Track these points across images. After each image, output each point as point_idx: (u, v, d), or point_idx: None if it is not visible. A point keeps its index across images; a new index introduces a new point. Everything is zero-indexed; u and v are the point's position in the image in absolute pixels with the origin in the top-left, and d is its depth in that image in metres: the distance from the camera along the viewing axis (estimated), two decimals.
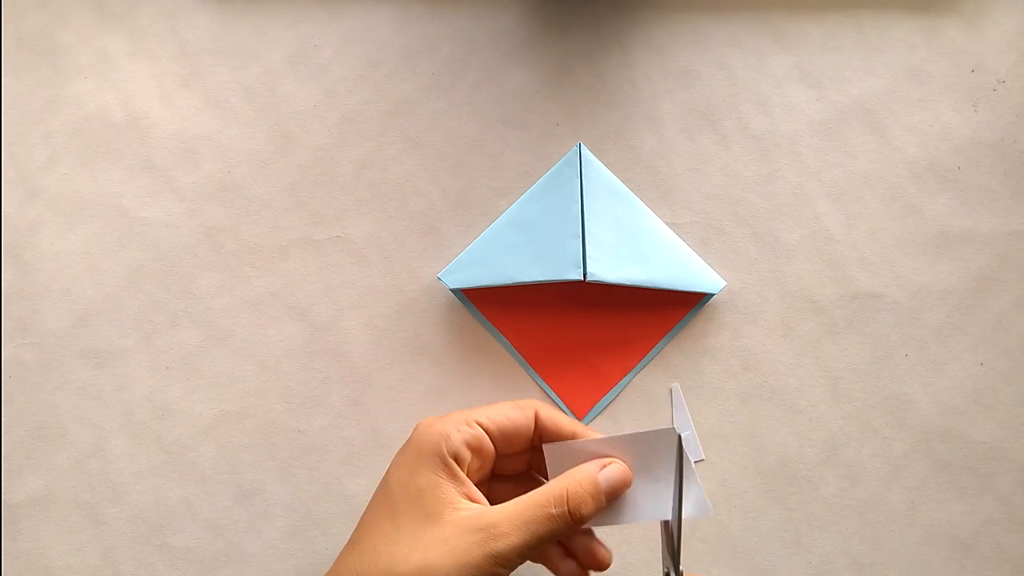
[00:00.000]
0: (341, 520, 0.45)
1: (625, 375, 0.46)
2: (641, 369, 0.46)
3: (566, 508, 0.33)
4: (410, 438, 0.36)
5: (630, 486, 0.35)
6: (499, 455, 0.37)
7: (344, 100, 0.49)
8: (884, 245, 0.47)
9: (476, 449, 0.35)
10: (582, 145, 0.48)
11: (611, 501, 0.35)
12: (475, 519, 0.32)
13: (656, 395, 0.46)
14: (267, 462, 0.46)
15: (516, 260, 0.46)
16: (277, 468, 0.46)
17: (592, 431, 0.37)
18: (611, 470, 0.35)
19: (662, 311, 0.47)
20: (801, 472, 0.45)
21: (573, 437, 0.36)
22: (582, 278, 0.44)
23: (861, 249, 0.47)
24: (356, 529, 0.35)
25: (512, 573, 0.33)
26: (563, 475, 0.34)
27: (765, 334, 0.47)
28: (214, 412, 0.47)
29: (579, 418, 0.46)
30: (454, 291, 0.47)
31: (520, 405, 0.37)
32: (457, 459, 0.34)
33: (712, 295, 0.46)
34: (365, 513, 0.36)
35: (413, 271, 0.48)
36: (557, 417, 0.37)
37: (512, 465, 0.38)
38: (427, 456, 0.34)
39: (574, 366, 0.46)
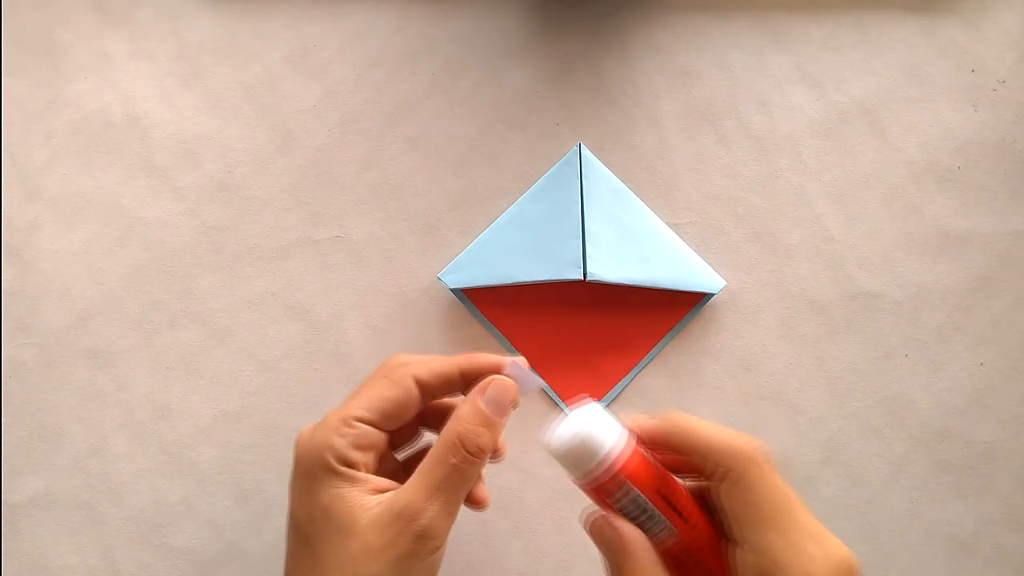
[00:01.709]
0: None
1: (625, 375, 0.46)
2: (641, 369, 0.46)
3: (464, 451, 0.32)
4: (295, 460, 0.33)
5: (517, 392, 0.34)
6: (392, 432, 0.35)
7: (344, 100, 0.49)
8: (884, 245, 0.47)
9: (365, 446, 0.33)
10: (582, 145, 0.48)
11: (504, 416, 0.33)
12: (389, 510, 0.31)
13: (656, 395, 0.46)
14: (267, 462, 0.46)
15: (516, 260, 0.46)
16: (277, 468, 0.46)
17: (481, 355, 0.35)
18: (490, 392, 0.33)
19: (662, 311, 0.47)
20: (801, 472, 0.45)
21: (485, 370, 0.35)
22: (582, 278, 0.44)
23: (861, 249, 0.47)
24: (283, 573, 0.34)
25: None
26: (451, 420, 0.33)
27: (765, 334, 0.47)
28: (214, 412, 0.47)
29: None
30: (454, 291, 0.47)
31: (394, 381, 0.34)
32: (349, 464, 0.32)
33: (712, 295, 0.46)
34: (286, 556, 0.33)
35: (413, 271, 0.48)
36: (439, 368, 0.34)
37: (410, 430, 0.37)
38: (318, 475, 0.32)
39: (574, 366, 0.46)
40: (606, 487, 0.31)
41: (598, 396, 0.46)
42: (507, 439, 0.45)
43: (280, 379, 0.47)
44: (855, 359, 0.46)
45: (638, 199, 0.47)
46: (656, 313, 0.47)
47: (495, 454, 0.35)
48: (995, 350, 0.46)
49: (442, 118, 0.49)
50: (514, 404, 0.34)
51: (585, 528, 0.32)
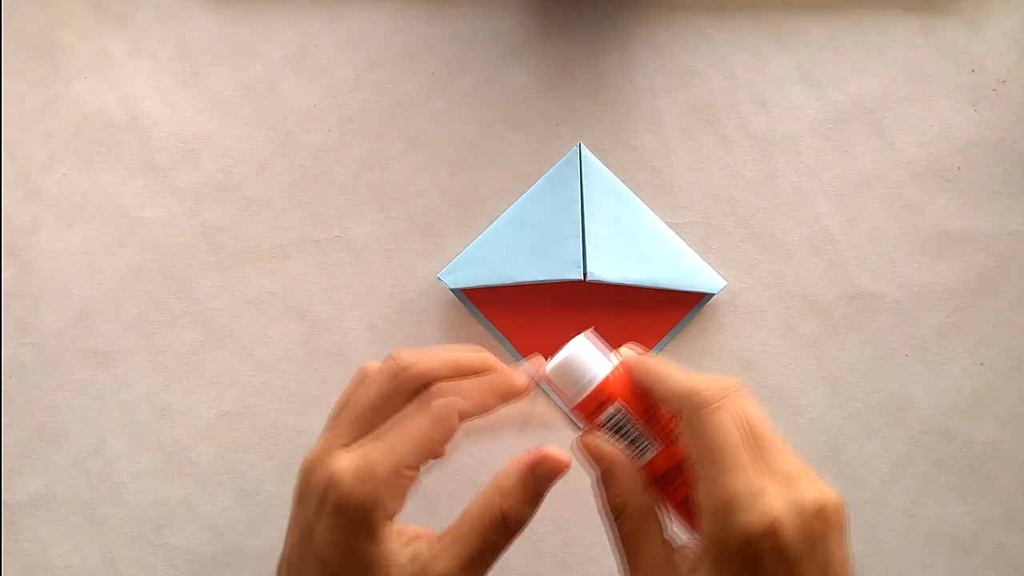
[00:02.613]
0: None
1: None
2: None
3: (506, 528, 0.32)
4: (338, 506, 0.30)
5: (566, 468, 0.33)
6: None
7: (344, 100, 0.49)
8: (884, 245, 0.47)
9: (409, 494, 0.32)
10: (582, 145, 0.48)
11: (547, 490, 0.33)
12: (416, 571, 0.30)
13: None
14: (267, 462, 0.46)
15: (516, 260, 0.46)
16: (277, 468, 0.46)
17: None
18: (543, 470, 0.32)
19: (662, 311, 0.47)
20: None
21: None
22: (582, 278, 0.44)
23: (861, 249, 0.47)
24: None
25: None
26: (493, 487, 0.32)
27: (765, 334, 0.47)
28: (214, 412, 0.47)
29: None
30: (454, 291, 0.47)
31: (440, 418, 0.31)
32: (393, 515, 0.31)
33: (712, 295, 0.46)
34: None
35: (413, 271, 0.48)
36: (480, 402, 0.33)
37: None
38: (364, 528, 0.30)
39: None
40: (591, 404, 0.33)
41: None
42: (506, 439, 0.45)
43: (280, 379, 0.47)
44: (855, 359, 0.46)
45: (638, 199, 0.47)
46: (656, 313, 0.47)
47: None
48: (995, 350, 0.46)
49: (442, 118, 0.49)
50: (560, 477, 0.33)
51: (574, 448, 0.33)
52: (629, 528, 0.31)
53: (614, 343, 0.47)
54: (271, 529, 0.45)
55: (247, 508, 0.46)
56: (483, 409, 0.33)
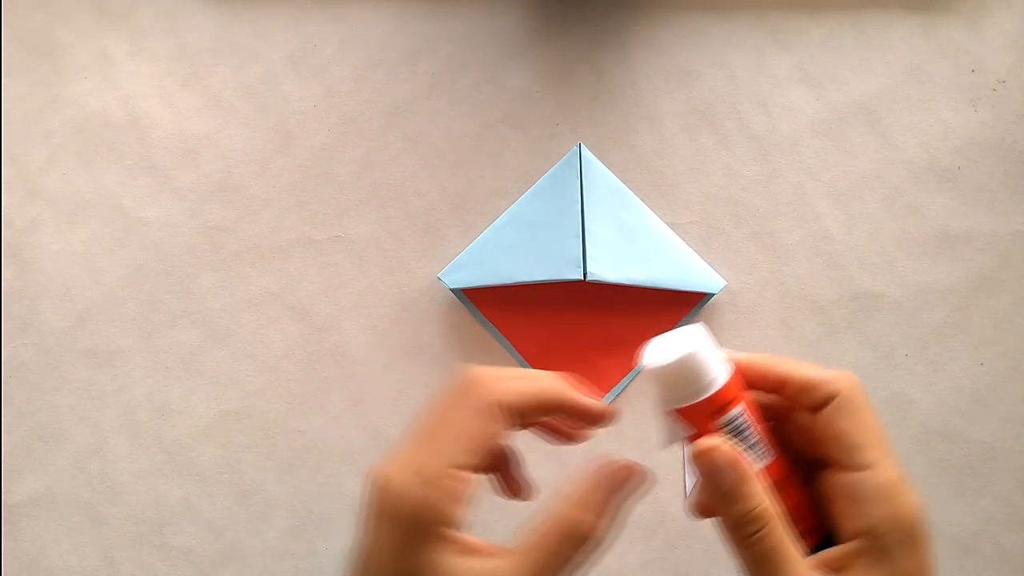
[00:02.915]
0: (341, 520, 0.45)
1: (625, 375, 0.46)
2: (641, 369, 0.46)
3: (581, 544, 0.29)
4: (391, 515, 0.29)
5: (644, 476, 0.31)
6: None
7: (344, 100, 0.49)
8: (884, 245, 0.47)
9: (470, 499, 0.30)
10: (582, 145, 0.48)
11: (624, 504, 0.30)
12: None
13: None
14: (267, 462, 0.46)
15: (516, 260, 0.46)
16: (277, 468, 0.46)
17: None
18: (628, 487, 0.30)
19: (662, 311, 0.47)
20: None
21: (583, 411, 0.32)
22: (582, 278, 0.44)
23: (861, 249, 0.47)
24: None
25: None
26: (568, 502, 0.30)
27: (765, 334, 0.46)
28: (214, 412, 0.47)
29: None
30: (454, 291, 0.47)
31: (482, 411, 0.30)
32: (455, 524, 0.29)
33: (712, 295, 0.46)
34: None
35: (413, 271, 0.48)
36: (523, 394, 0.31)
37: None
38: (421, 536, 0.28)
39: (574, 366, 0.46)
40: (712, 405, 0.29)
41: (598, 396, 0.46)
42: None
43: (280, 379, 0.47)
44: (855, 359, 0.46)
45: (638, 199, 0.47)
46: (656, 313, 0.47)
47: (521, 495, 0.34)
48: (995, 350, 0.46)
49: (442, 118, 0.49)
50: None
51: (692, 453, 0.30)
52: (772, 540, 0.28)
53: (614, 343, 0.47)
54: (271, 529, 0.45)
55: (247, 508, 0.46)
56: (530, 402, 0.30)
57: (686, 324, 0.47)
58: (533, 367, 0.46)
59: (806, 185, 0.48)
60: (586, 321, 0.47)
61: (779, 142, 0.48)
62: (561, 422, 0.34)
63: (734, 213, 0.48)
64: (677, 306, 0.47)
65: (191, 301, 0.48)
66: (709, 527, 0.45)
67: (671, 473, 0.45)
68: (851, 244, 0.47)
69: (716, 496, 0.29)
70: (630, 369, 0.46)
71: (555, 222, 0.46)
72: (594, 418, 0.32)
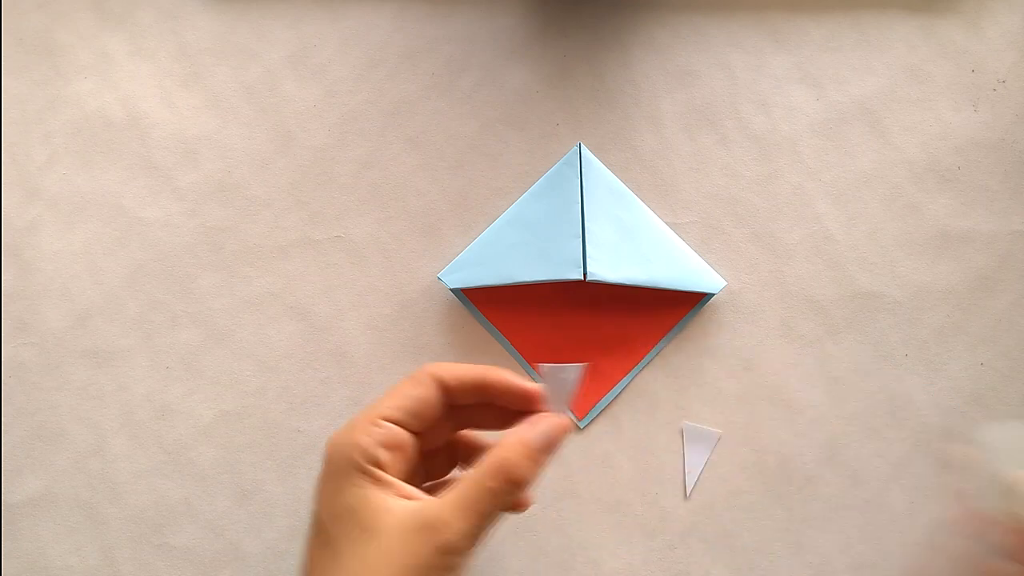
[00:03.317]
0: None
1: (625, 375, 0.46)
2: (641, 369, 0.46)
3: (504, 478, 0.31)
4: (325, 460, 0.33)
5: (568, 430, 0.34)
6: (419, 435, 0.34)
7: (344, 100, 0.49)
8: (884, 245, 0.47)
9: (393, 446, 0.33)
10: (582, 145, 0.48)
11: (550, 456, 0.33)
12: (415, 517, 0.30)
13: (656, 395, 0.46)
14: (267, 462, 0.46)
15: (516, 260, 0.46)
16: (277, 468, 0.46)
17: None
18: (542, 428, 0.33)
19: (662, 311, 0.47)
20: (801, 472, 0.45)
21: (492, 383, 0.35)
22: (582, 278, 0.44)
23: (861, 249, 0.47)
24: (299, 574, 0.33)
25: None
26: (496, 447, 0.32)
27: (765, 334, 0.47)
28: (214, 412, 0.47)
29: (579, 418, 0.46)
30: (454, 291, 0.47)
31: (417, 379, 0.34)
32: (378, 464, 0.32)
33: (712, 295, 0.46)
34: (306, 555, 0.33)
35: (413, 271, 0.48)
36: (460, 372, 0.34)
37: (439, 436, 0.36)
38: (345, 473, 0.31)
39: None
40: None
41: (598, 396, 0.46)
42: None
43: (280, 379, 0.47)
44: (855, 359, 0.46)
45: (638, 199, 0.47)
46: (656, 313, 0.47)
47: (518, 505, 0.35)
48: (995, 350, 0.46)
49: (442, 118, 0.49)
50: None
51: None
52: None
53: (614, 343, 0.47)
54: (271, 529, 0.45)
55: (247, 508, 0.46)
56: (462, 380, 0.34)
57: (686, 324, 0.47)
58: (533, 367, 0.46)
59: (806, 185, 0.48)
60: (586, 321, 0.47)
61: (779, 142, 0.48)
62: (499, 410, 0.36)
63: (734, 213, 0.48)
64: (677, 306, 0.47)
65: (191, 301, 0.48)
66: (710, 527, 0.45)
67: (672, 473, 0.45)
68: (851, 244, 0.47)
69: None
70: (630, 369, 0.46)
71: (555, 222, 0.46)
72: (523, 400, 0.35)
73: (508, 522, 0.45)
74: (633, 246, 0.46)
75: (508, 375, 0.35)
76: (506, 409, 0.35)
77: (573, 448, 0.46)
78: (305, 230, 0.48)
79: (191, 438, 0.46)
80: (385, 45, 0.50)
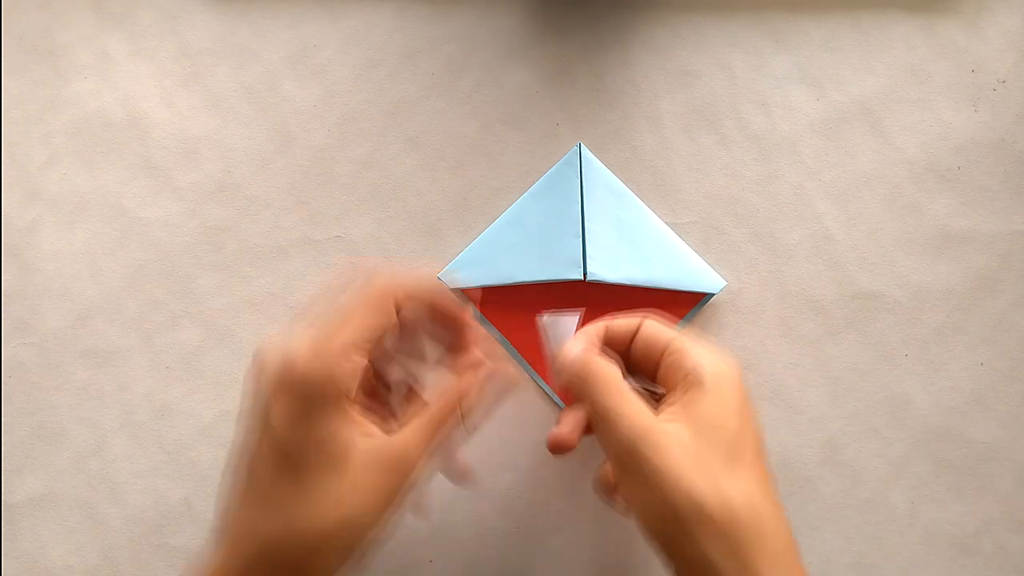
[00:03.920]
0: None
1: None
2: None
3: (460, 421, 0.35)
4: (291, 380, 0.31)
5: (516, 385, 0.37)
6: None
7: (344, 100, 0.49)
8: (884, 245, 0.47)
9: (362, 380, 0.33)
10: (582, 145, 0.48)
11: (497, 405, 0.37)
12: (382, 454, 0.32)
13: None
14: None
15: (516, 260, 0.46)
16: None
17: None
18: (497, 382, 0.36)
19: (662, 311, 0.47)
20: (801, 472, 0.45)
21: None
22: (582, 278, 0.44)
23: (861, 249, 0.47)
24: (244, 489, 0.33)
25: None
26: (452, 390, 0.35)
27: (765, 334, 0.47)
28: (214, 412, 0.47)
29: None
30: (454, 291, 0.47)
31: (378, 307, 0.34)
32: (351, 399, 0.32)
33: (712, 295, 0.46)
34: (251, 469, 0.33)
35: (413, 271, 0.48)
36: (413, 294, 0.35)
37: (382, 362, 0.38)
38: (319, 405, 0.31)
39: None
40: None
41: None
42: (507, 439, 0.45)
43: None
44: (855, 359, 0.46)
45: (638, 199, 0.47)
46: (656, 313, 0.47)
47: (463, 475, 0.39)
48: (995, 350, 0.46)
49: (442, 118, 0.49)
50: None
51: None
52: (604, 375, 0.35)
53: None
54: None
55: None
56: (414, 307, 0.35)
57: (686, 324, 0.47)
58: (533, 367, 0.46)
59: (806, 185, 0.48)
60: (586, 322, 0.47)
61: (779, 142, 0.48)
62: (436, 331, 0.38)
63: (734, 213, 0.48)
64: (677, 306, 0.47)
65: (191, 301, 0.48)
66: None
67: None
68: (851, 244, 0.47)
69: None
70: None
71: (555, 222, 0.46)
72: (452, 322, 0.36)
73: (508, 522, 0.45)
74: (633, 246, 0.46)
75: (445, 294, 0.36)
76: (440, 333, 0.37)
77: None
78: (305, 230, 0.48)
79: (191, 438, 0.46)
80: (385, 45, 0.50)
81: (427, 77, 0.49)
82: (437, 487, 0.45)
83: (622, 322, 0.38)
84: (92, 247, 0.48)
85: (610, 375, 0.34)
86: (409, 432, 0.33)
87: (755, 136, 0.48)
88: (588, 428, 0.36)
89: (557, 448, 0.36)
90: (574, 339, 0.37)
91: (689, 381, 0.34)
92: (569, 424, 0.36)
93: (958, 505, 0.45)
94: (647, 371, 0.37)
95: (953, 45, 0.49)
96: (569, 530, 0.45)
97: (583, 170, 0.47)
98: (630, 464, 0.32)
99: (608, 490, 0.38)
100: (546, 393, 0.46)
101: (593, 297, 0.47)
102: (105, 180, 0.49)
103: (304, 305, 0.36)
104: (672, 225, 0.47)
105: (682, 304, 0.47)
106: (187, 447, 0.46)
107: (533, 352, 0.47)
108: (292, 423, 0.32)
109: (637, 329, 0.37)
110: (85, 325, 0.47)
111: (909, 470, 0.45)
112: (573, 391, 0.35)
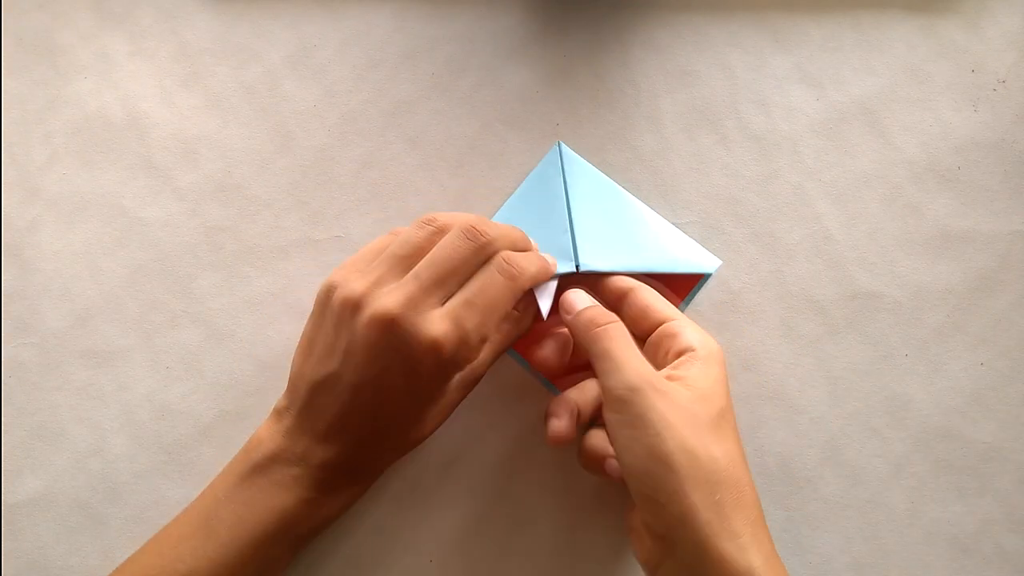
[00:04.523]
0: (340, 520, 0.45)
1: None
2: None
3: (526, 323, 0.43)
4: (430, 353, 0.36)
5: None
6: None
7: (344, 100, 0.49)
8: (884, 245, 0.47)
9: None
10: (561, 144, 0.48)
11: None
12: (466, 380, 0.40)
13: None
14: None
15: None
16: None
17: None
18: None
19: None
20: (801, 472, 0.45)
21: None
22: (575, 270, 0.44)
23: (861, 249, 0.47)
24: (379, 405, 0.38)
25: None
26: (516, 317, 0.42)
27: (765, 334, 0.47)
28: (214, 412, 0.47)
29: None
30: None
31: (516, 294, 0.40)
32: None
33: (709, 275, 0.46)
34: (384, 396, 0.38)
35: None
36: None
37: None
38: (453, 372, 0.39)
39: (573, 365, 0.46)
40: None
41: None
42: (507, 438, 0.45)
43: (280, 379, 0.47)
44: (855, 359, 0.46)
45: (621, 188, 0.48)
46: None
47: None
48: (995, 350, 0.46)
49: (442, 118, 0.49)
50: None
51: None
52: (615, 333, 0.40)
53: None
54: None
55: None
56: (538, 283, 0.41)
57: (685, 310, 0.47)
58: (533, 367, 0.46)
59: (806, 185, 0.48)
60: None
61: (779, 142, 0.48)
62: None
63: (734, 213, 0.48)
64: (674, 292, 0.47)
65: (191, 301, 0.48)
66: None
67: None
68: (851, 244, 0.47)
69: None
70: None
71: (543, 220, 0.46)
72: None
73: (508, 521, 0.45)
74: (622, 234, 0.46)
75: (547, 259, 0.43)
76: None
77: (574, 446, 0.46)
78: (305, 230, 0.48)
79: (191, 438, 0.46)
80: (385, 45, 0.50)
81: (427, 77, 0.49)
82: (437, 487, 0.45)
83: (617, 279, 0.44)
84: (92, 247, 0.48)
85: (620, 326, 0.38)
86: (486, 355, 0.40)
87: (755, 136, 0.48)
88: (581, 417, 0.40)
89: (557, 442, 0.39)
90: (582, 294, 0.41)
91: (686, 355, 0.38)
92: (565, 417, 0.39)
93: (958, 505, 0.45)
94: (634, 333, 0.40)
95: (953, 45, 0.49)
96: (569, 530, 0.45)
97: (564, 166, 0.47)
98: (631, 407, 0.35)
99: (595, 458, 0.40)
100: (548, 392, 0.46)
101: (590, 291, 0.47)
102: (105, 180, 0.49)
103: (387, 254, 0.39)
104: (672, 225, 0.47)
105: (679, 289, 0.47)
106: (187, 447, 0.46)
107: (533, 351, 0.47)
108: (431, 381, 0.38)
109: (627, 291, 0.43)
110: (85, 325, 0.47)
111: (909, 470, 0.45)
112: (583, 336, 0.39)
